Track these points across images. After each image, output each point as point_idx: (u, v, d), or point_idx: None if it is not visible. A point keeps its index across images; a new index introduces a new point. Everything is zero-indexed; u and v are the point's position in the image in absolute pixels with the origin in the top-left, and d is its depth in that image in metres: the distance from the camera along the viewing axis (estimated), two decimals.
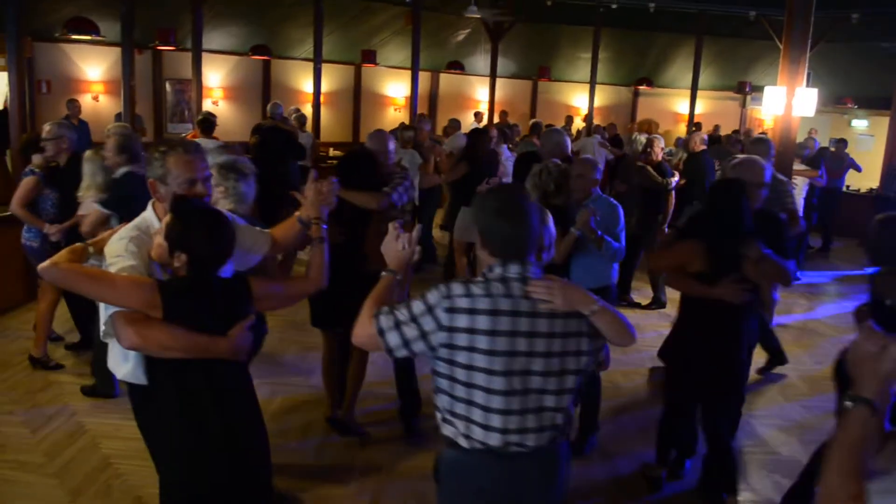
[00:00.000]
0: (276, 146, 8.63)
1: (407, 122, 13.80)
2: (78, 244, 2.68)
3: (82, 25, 10.22)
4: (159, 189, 2.65)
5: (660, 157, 7.70)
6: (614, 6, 14.38)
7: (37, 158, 5.44)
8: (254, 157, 9.53)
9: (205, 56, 11.94)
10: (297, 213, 2.98)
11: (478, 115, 15.20)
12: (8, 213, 5.54)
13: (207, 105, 12.94)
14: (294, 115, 10.79)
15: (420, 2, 13.60)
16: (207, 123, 8.50)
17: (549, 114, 16.77)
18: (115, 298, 2.42)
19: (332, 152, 13.65)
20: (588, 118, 15.99)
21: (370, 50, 14.89)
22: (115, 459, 4.24)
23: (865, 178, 12.68)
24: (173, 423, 2.54)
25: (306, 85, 14.80)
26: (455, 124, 11.36)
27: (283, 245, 3.09)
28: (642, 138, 7.48)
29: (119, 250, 2.54)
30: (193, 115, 11.41)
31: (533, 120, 12.54)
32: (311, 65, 13.69)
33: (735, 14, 14.17)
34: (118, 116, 11.06)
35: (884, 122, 13.46)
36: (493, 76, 16.37)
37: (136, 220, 2.69)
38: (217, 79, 14.23)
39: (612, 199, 4.57)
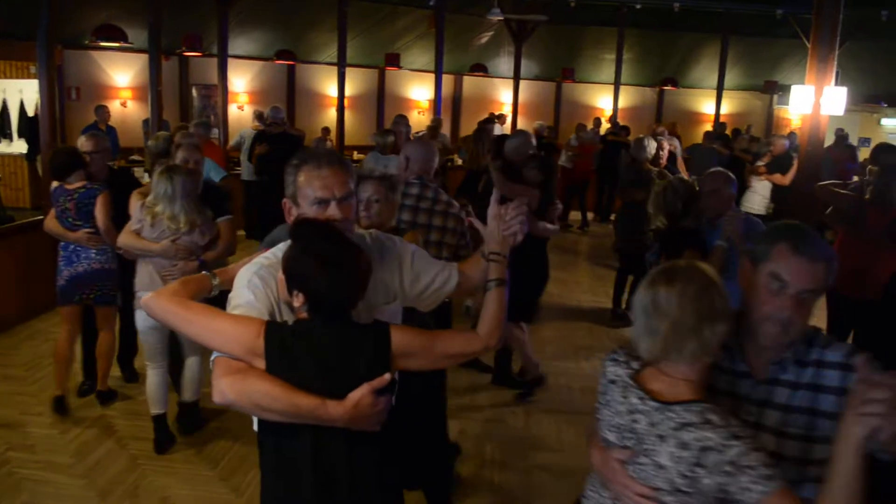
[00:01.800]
0: (288, 154, 8.20)
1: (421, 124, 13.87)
2: (200, 273, 2.31)
3: (111, 33, 10.35)
4: (292, 210, 2.18)
5: (665, 161, 7.49)
6: (638, 6, 14.31)
7: (76, 175, 4.73)
8: (261, 167, 9.58)
9: (230, 61, 12.04)
10: (480, 248, 2.34)
11: (500, 118, 15.17)
12: (40, 217, 5.45)
13: (233, 110, 13.06)
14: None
15: (443, 5, 13.62)
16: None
17: (573, 115, 16.71)
18: (216, 342, 1.99)
19: (356, 156, 13.72)
20: (612, 118, 15.88)
21: (394, 53, 14.93)
22: (142, 461, 4.30)
23: None
24: (267, 480, 2.11)
25: (330, 89, 14.88)
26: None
27: (469, 284, 2.40)
28: (653, 142, 7.23)
29: (242, 282, 2.11)
30: (220, 119, 11.50)
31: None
32: (335, 69, 13.75)
33: (761, 13, 14.03)
34: (146, 122, 11.19)
35: None
36: (516, 78, 16.34)
37: (277, 247, 2.21)
38: (242, 84, 14.36)
39: (749, 216, 4.35)
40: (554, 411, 5.21)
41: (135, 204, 4.36)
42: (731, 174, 4.22)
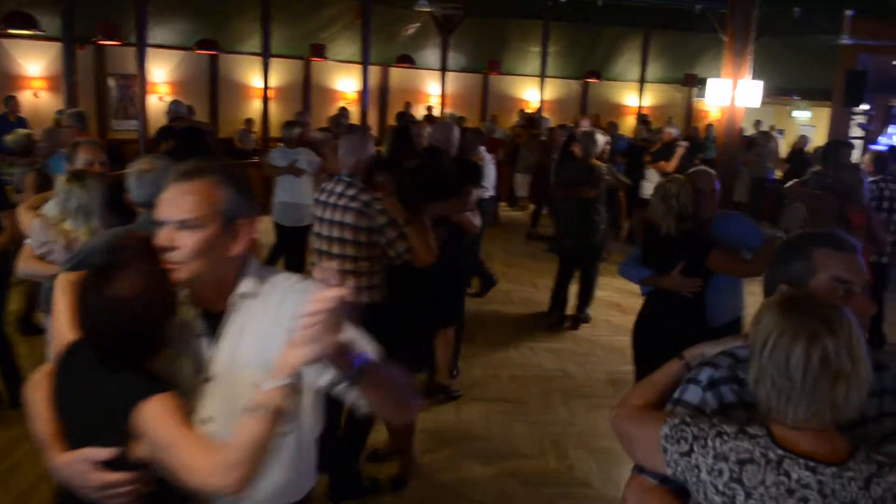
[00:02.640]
0: (196, 149, 7.21)
1: (355, 116, 13.77)
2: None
3: (21, 20, 9.94)
4: None
5: (606, 156, 7.61)
6: (563, 0, 14.49)
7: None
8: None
9: (150, 51, 11.68)
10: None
11: (429, 110, 15.18)
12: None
13: (153, 101, 12.69)
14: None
15: None
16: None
17: (500, 107, 16.84)
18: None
19: None
20: (539, 111, 16.07)
21: (319, 44, 14.75)
22: None
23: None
24: None
25: (255, 80, 14.61)
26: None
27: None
28: (602, 136, 7.09)
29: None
30: (138, 111, 11.16)
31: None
32: (259, 59, 13.52)
33: (681, 7, 14.39)
34: (59, 113, 10.78)
35: (824, 113, 13.82)
36: (443, 70, 16.37)
37: None
38: (162, 74, 13.94)
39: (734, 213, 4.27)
40: (484, 400, 5.26)
41: (27, 221, 3.70)
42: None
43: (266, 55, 13.19)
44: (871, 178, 5.85)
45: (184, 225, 1.61)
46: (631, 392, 1.88)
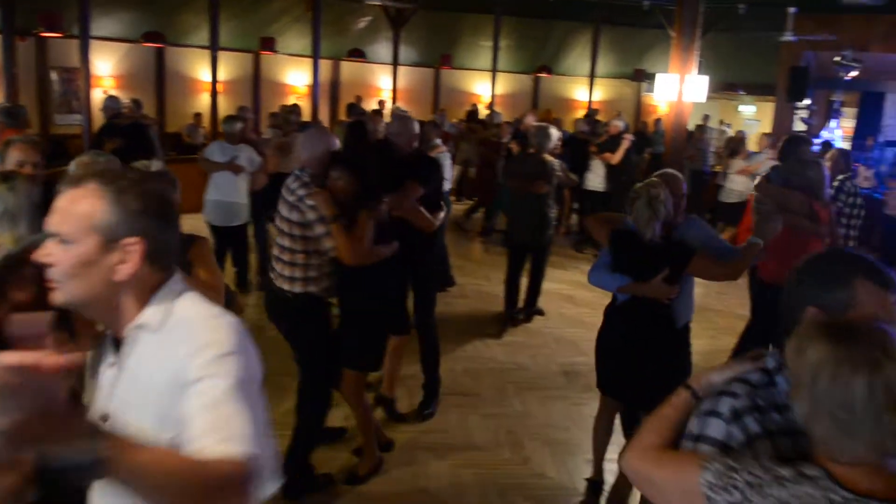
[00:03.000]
0: (142, 145, 6.35)
1: (306, 110, 13.65)
2: None
3: None
4: None
5: (560, 151, 7.61)
6: None
7: None
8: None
9: (94, 43, 11.39)
10: None
11: (380, 104, 15.11)
12: None
13: (98, 95, 12.39)
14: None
15: None
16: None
17: (452, 102, 16.87)
18: None
19: None
20: (490, 105, 16.13)
21: (269, 37, 14.56)
22: None
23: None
24: None
25: (203, 73, 14.36)
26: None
27: None
28: (556, 131, 7.02)
29: None
30: (82, 105, 10.89)
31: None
32: (207, 52, 13.29)
33: (630, 4, 14.57)
34: None
35: (769, 107, 14.16)
36: (395, 64, 16.33)
37: None
38: (107, 67, 13.62)
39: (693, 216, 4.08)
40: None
41: None
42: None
43: (214, 48, 12.98)
44: (841, 177, 6.07)
45: (60, 239, 1.42)
46: (641, 431, 1.77)
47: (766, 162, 8.87)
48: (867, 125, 13.44)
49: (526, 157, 6.94)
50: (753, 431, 1.55)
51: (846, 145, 13.00)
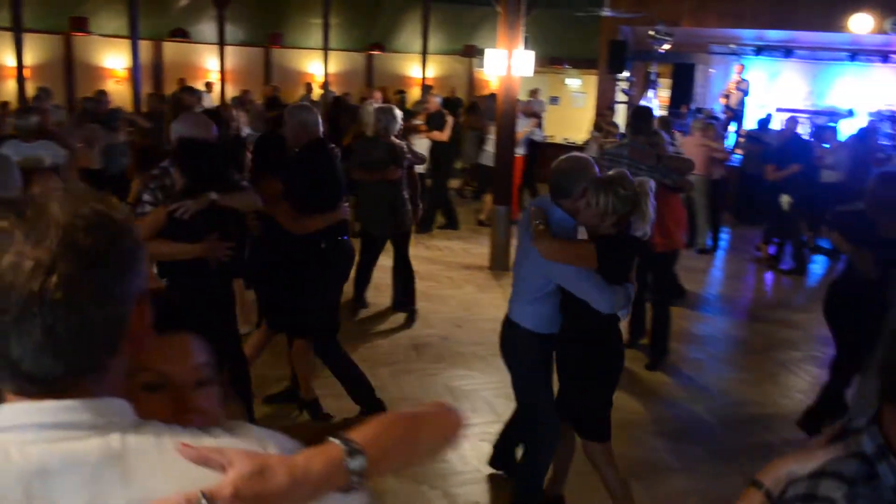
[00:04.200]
0: None
1: (126, 96, 12.88)
2: None
3: None
4: None
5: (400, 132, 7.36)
6: None
7: None
8: None
9: None
10: None
11: (208, 86, 14.51)
12: None
13: None
14: None
15: None
16: None
17: (284, 82, 16.46)
18: None
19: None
20: (324, 84, 15.92)
21: (81, 17, 13.59)
22: None
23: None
24: None
25: (6, 58, 13.19)
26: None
27: None
28: (399, 112, 6.53)
29: None
30: None
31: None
32: (10, 34, 12.23)
33: None
34: None
35: (593, 80, 14.88)
36: (221, 44, 15.71)
37: None
38: None
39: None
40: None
41: None
42: None
43: (18, 29, 11.96)
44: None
45: None
46: None
47: (530, 128, 9.33)
48: (681, 94, 14.37)
49: (370, 141, 6.39)
50: None
51: (664, 114, 13.90)
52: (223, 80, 15.59)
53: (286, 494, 0.94)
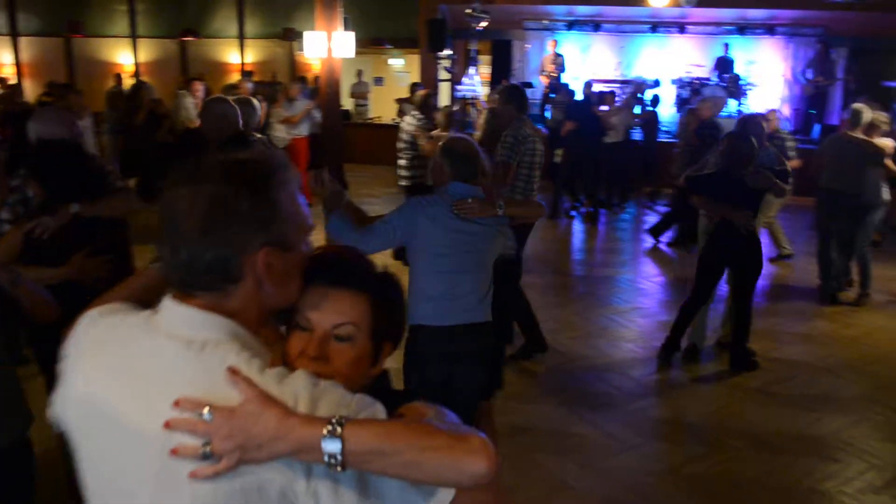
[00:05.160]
0: None
1: None
2: None
3: None
4: None
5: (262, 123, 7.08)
6: None
7: None
8: None
9: None
10: None
11: (2, 82, 13.27)
12: None
13: None
14: None
15: None
16: None
17: (90, 74, 15.36)
18: None
19: None
20: (135, 74, 15.00)
21: None
22: None
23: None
24: None
25: None
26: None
27: None
28: (258, 102, 6.20)
29: None
30: None
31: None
32: None
33: None
34: None
35: (416, 59, 14.96)
36: (14, 35, 14.43)
37: None
38: None
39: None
40: None
41: None
42: None
43: None
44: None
45: None
46: None
47: (306, 110, 9.10)
48: (500, 70, 14.76)
49: (237, 134, 6.06)
50: None
51: (486, 90, 14.22)
52: (19, 74, 14.29)
53: (267, 444, 1.06)
